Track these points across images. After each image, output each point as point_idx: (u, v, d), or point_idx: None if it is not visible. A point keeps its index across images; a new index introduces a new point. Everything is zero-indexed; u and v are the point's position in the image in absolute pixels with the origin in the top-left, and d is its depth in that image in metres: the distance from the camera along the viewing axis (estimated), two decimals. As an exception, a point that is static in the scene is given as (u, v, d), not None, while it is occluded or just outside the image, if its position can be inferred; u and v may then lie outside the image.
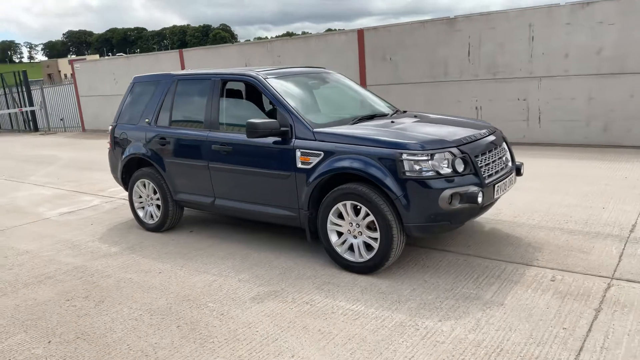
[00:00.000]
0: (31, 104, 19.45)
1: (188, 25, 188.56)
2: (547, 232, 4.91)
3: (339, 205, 4.20)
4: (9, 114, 20.49)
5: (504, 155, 4.53)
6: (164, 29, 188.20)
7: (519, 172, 4.78)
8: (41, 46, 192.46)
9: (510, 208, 5.74)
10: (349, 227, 4.22)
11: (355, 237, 4.21)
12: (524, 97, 9.58)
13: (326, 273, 4.31)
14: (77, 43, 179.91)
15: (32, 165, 11.44)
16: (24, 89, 19.32)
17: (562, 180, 6.75)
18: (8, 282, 4.62)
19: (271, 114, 4.99)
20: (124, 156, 5.86)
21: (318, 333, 3.37)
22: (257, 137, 4.43)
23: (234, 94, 5.15)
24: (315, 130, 4.36)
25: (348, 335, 3.32)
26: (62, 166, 10.95)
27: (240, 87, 5.20)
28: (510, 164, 4.64)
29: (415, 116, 5.02)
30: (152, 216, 5.79)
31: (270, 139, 4.54)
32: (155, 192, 5.67)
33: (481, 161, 4.14)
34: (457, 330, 3.28)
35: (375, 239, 4.07)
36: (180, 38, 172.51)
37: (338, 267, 4.37)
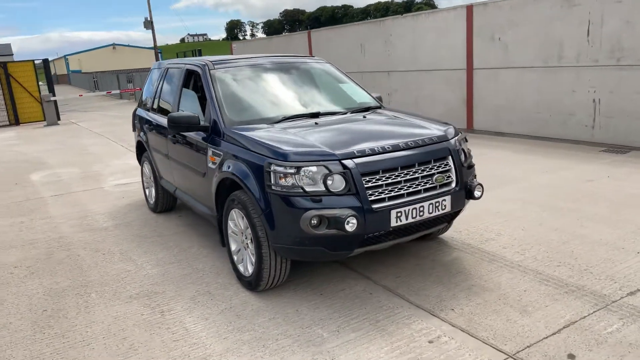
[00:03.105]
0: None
1: (392, 0, 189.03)
2: (514, 276, 3.81)
3: (233, 212, 3.87)
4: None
5: (439, 173, 3.60)
6: (369, 5, 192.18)
7: (471, 194, 3.77)
8: (261, 24, 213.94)
9: (513, 235, 4.59)
10: (242, 237, 3.87)
11: (245, 248, 3.85)
12: (655, 90, 7.42)
13: (221, 282, 4.05)
14: (291, 21, 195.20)
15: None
16: (196, 66, 21.78)
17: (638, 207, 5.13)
18: (2, 242, 5.37)
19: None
20: (135, 138, 6.26)
21: (128, 348, 3.20)
22: (177, 131, 4.30)
23: (192, 84, 5.04)
24: (225, 128, 4.04)
25: (143, 358, 3.08)
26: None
27: (197, 77, 5.05)
28: (454, 184, 3.68)
29: (365, 117, 4.29)
30: (152, 197, 6.10)
31: (201, 134, 4.35)
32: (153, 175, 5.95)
33: (378, 179, 3.36)
34: (244, 380, 2.80)
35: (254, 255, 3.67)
36: (383, 14, 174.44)
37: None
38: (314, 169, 3.29)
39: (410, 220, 3.44)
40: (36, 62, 19.50)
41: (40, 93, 18.55)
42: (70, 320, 3.59)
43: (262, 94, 4.53)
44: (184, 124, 4.18)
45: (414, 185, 3.49)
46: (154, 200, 5.99)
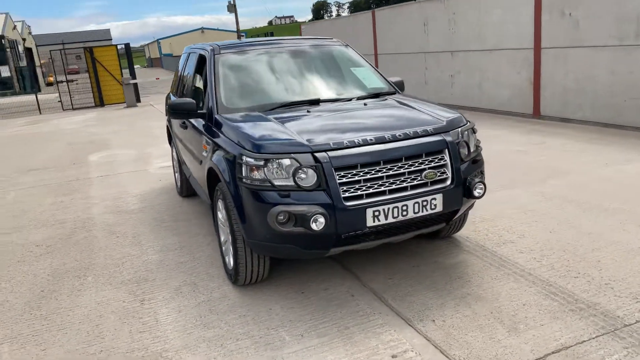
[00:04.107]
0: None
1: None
2: (519, 286, 3.38)
3: (219, 203, 3.76)
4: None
5: (430, 168, 3.24)
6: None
7: (469, 193, 3.36)
8: (347, 4, 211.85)
9: (537, 238, 4.11)
10: (226, 229, 3.75)
11: (229, 240, 3.73)
12: None
13: (210, 273, 3.97)
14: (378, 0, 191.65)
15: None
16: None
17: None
18: (38, 220, 5.68)
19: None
20: (166, 122, 6.34)
21: (96, 335, 3.21)
22: (177, 117, 4.24)
23: (204, 69, 4.94)
24: (216, 115, 3.92)
25: (105, 347, 3.07)
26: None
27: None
28: (448, 181, 3.30)
29: (366, 105, 3.97)
30: (178, 182, 6.17)
31: (201, 121, 4.27)
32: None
33: (355, 175, 3.08)
34: (187, 381, 2.69)
35: (235, 248, 3.54)
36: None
37: (228, 269, 3.96)
38: (283, 161, 3.07)
39: (391, 220, 3.13)
40: (120, 46, 20.63)
41: (122, 76, 19.63)
42: (59, 303, 3.69)
43: (264, 80, 4.34)
44: (182, 110, 4.11)
45: (398, 182, 3.17)
46: (179, 184, 6.05)
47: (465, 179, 3.35)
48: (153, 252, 4.49)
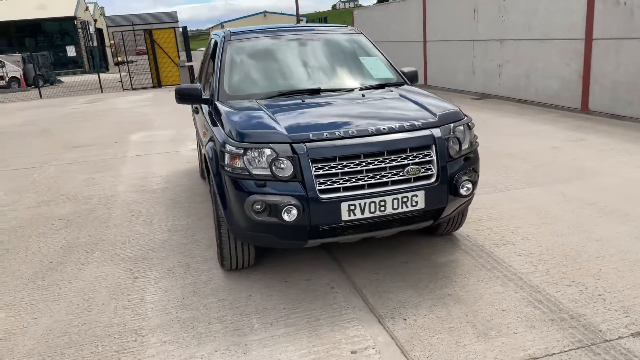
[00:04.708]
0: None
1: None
2: (504, 290, 3.25)
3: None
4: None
5: (415, 164, 3.15)
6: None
7: (456, 191, 3.24)
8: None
9: (540, 241, 3.92)
10: (219, 214, 3.83)
11: (221, 225, 3.81)
12: None
13: (205, 256, 4.07)
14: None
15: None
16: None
17: None
18: (67, 195, 6.02)
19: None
20: (192, 106, 6.51)
21: (84, 309, 3.39)
22: (183, 102, 4.34)
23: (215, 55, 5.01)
24: (216, 102, 3.98)
25: (89, 320, 3.24)
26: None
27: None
28: (433, 178, 3.20)
29: (364, 95, 3.90)
30: (199, 164, 6.34)
31: (206, 107, 4.36)
32: (201, 143, 6.16)
33: (333, 167, 3.05)
34: None
35: (223, 233, 3.61)
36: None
37: (223, 253, 4.05)
38: (261, 151, 3.09)
39: (367, 214, 3.08)
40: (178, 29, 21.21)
41: (179, 58, 20.21)
42: (62, 275, 3.91)
43: (267, 68, 4.35)
44: (187, 95, 4.21)
45: (378, 176, 3.11)
46: (199, 167, 6.21)
47: (452, 177, 3.24)
48: (160, 232, 4.66)
